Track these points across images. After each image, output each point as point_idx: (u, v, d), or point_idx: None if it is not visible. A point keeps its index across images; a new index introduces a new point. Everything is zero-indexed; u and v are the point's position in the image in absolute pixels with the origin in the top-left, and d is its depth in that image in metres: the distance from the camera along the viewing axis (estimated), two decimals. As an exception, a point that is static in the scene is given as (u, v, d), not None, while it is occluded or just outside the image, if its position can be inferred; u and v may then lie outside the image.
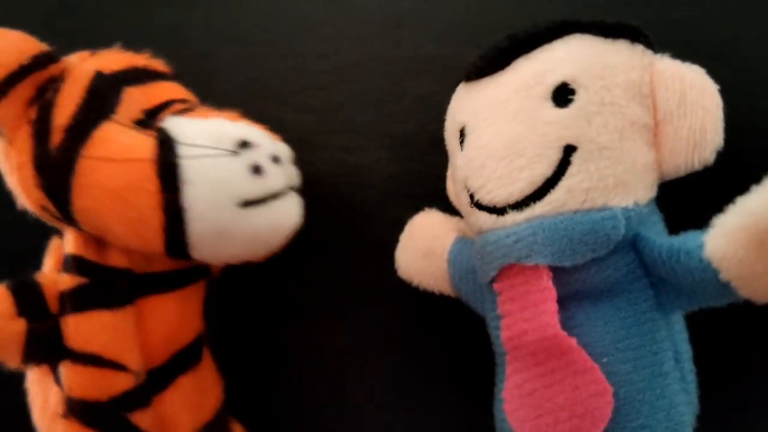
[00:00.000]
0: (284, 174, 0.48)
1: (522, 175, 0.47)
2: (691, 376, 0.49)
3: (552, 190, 0.46)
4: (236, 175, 0.44)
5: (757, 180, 0.40)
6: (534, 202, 0.47)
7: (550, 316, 0.46)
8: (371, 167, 0.66)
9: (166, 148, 0.44)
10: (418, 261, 0.60)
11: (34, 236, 0.53)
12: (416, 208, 0.62)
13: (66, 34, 0.65)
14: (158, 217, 0.44)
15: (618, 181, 0.47)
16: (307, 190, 0.65)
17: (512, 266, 0.48)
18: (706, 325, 0.50)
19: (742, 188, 0.45)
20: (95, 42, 0.53)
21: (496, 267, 0.49)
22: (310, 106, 0.67)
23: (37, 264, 0.52)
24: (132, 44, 0.55)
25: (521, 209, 0.47)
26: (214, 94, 0.55)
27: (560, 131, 0.47)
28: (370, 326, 0.67)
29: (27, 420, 0.51)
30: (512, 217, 0.48)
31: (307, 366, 0.68)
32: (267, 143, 0.47)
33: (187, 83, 0.57)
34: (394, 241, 0.62)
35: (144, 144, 0.44)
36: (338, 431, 0.68)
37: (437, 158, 0.58)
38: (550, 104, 0.47)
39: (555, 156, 0.47)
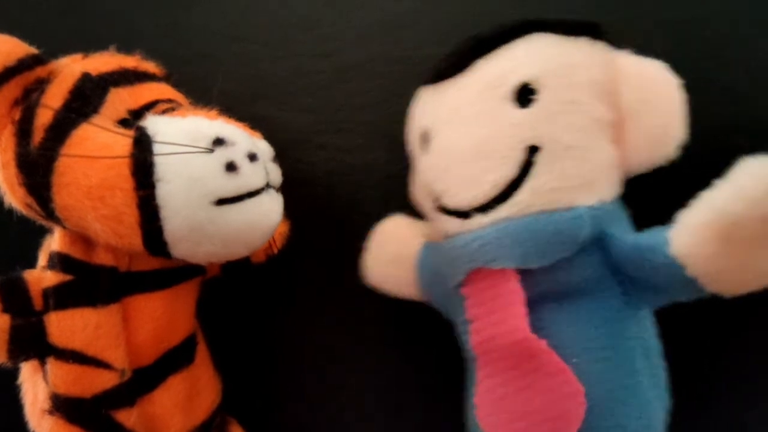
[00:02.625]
0: (262, 172, 0.48)
1: (486, 178, 0.47)
2: (661, 372, 0.49)
3: (516, 192, 0.46)
4: (210, 172, 0.44)
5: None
6: (499, 205, 0.47)
7: (519, 320, 0.46)
8: (371, 167, 0.66)
9: (142, 146, 0.44)
10: (387, 267, 0.60)
11: (33, 235, 0.53)
12: (415, 209, 0.62)
13: (66, 34, 0.68)
14: (134, 215, 0.44)
15: (583, 180, 0.47)
16: (306, 190, 0.66)
17: (479, 270, 0.47)
18: (674, 320, 0.50)
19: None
20: (95, 42, 0.54)
21: (463, 271, 0.48)
22: (310, 106, 0.67)
23: (34, 263, 0.53)
24: (132, 44, 0.56)
25: (486, 212, 0.47)
26: (214, 94, 0.55)
27: (523, 132, 0.47)
28: (368, 326, 0.67)
29: (21, 415, 0.52)
30: (477, 221, 0.48)
31: (307, 366, 0.68)
32: (243, 141, 0.47)
33: (187, 83, 0.57)
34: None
35: (121, 142, 0.44)
36: (337, 431, 0.68)
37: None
38: (512, 105, 0.47)
39: (519, 157, 0.46)
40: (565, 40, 0.49)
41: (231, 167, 0.45)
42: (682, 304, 0.46)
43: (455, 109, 0.50)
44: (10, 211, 0.49)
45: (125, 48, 0.55)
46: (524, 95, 0.47)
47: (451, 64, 0.51)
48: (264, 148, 0.51)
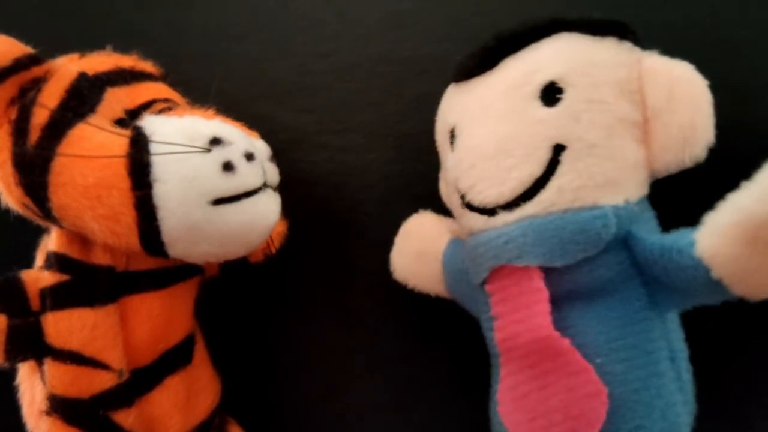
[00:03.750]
0: (259, 171, 0.48)
1: (512, 175, 0.47)
2: (687, 376, 0.49)
3: (542, 190, 0.46)
4: (207, 172, 0.44)
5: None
6: (524, 202, 0.47)
7: (542, 317, 0.46)
8: (371, 167, 0.66)
9: (139, 145, 0.44)
10: (413, 263, 0.60)
11: (30, 235, 0.53)
12: (416, 208, 0.62)
13: (66, 34, 0.68)
14: (131, 215, 0.44)
15: (608, 179, 0.46)
16: (306, 189, 0.66)
17: (504, 267, 0.48)
18: (702, 324, 0.50)
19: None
20: (95, 42, 0.54)
21: (487, 268, 0.48)
22: (310, 106, 0.67)
23: (32, 263, 0.53)
24: (131, 44, 0.55)
25: (511, 209, 0.47)
26: (214, 94, 0.55)
27: (549, 130, 0.46)
28: (370, 326, 0.67)
29: (19, 416, 0.52)
30: (503, 218, 0.48)
31: (307, 366, 0.68)
32: (240, 140, 0.47)
33: (187, 83, 0.57)
34: (393, 241, 0.62)
35: (117, 142, 0.44)
36: (336, 431, 0.68)
37: (437, 158, 0.58)
38: (538, 103, 0.47)
39: (544, 155, 0.46)
40: (592, 40, 0.48)
41: (228, 167, 0.45)
42: (709, 308, 0.46)
43: (482, 107, 0.50)
44: (7, 211, 0.49)
45: (125, 48, 0.55)
46: (550, 94, 0.47)
47: (478, 62, 0.51)
48: (261, 148, 0.51)
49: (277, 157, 0.54)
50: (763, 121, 0.58)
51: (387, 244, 0.62)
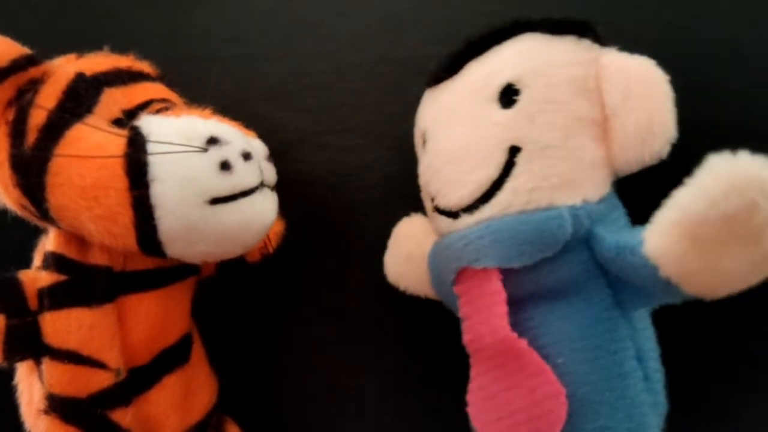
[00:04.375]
0: (256, 171, 0.48)
1: (471, 178, 0.48)
2: (657, 376, 0.48)
3: (498, 192, 0.47)
4: (204, 171, 0.44)
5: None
6: (482, 205, 0.47)
7: (499, 318, 0.46)
8: (370, 167, 0.66)
9: (136, 145, 0.44)
10: (403, 266, 0.60)
11: (29, 235, 0.54)
12: (416, 208, 0.62)
13: (66, 34, 0.68)
14: (128, 215, 0.44)
15: (564, 179, 0.47)
16: (306, 189, 0.66)
17: (466, 269, 0.48)
18: (674, 323, 0.50)
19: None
20: (95, 42, 0.54)
21: (452, 270, 0.49)
22: (310, 106, 0.67)
23: (30, 264, 0.53)
24: (131, 44, 0.56)
25: (471, 212, 0.48)
26: (214, 94, 0.55)
27: (505, 132, 0.47)
28: (368, 326, 0.67)
29: (17, 415, 0.52)
30: (464, 221, 0.49)
31: (306, 366, 0.68)
32: (237, 140, 0.47)
33: (187, 83, 0.57)
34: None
35: (115, 142, 0.44)
36: (334, 430, 0.68)
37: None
38: (496, 106, 0.48)
39: (500, 158, 0.47)
40: (551, 39, 0.49)
41: (225, 166, 0.45)
42: (676, 306, 0.46)
43: (447, 111, 0.51)
44: (5, 212, 0.49)
45: (125, 48, 0.55)
46: (507, 96, 0.48)
47: (446, 67, 0.52)
48: (258, 147, 0.51)
49: (277, 157, 0.54)
50: (754, 121, 0.58)
51: (386, 244, 0.62)
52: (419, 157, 0.56)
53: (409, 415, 0.67)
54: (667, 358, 0.49)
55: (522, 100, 0.47)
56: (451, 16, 0.65)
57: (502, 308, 0.46)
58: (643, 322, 0.49)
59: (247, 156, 0.47)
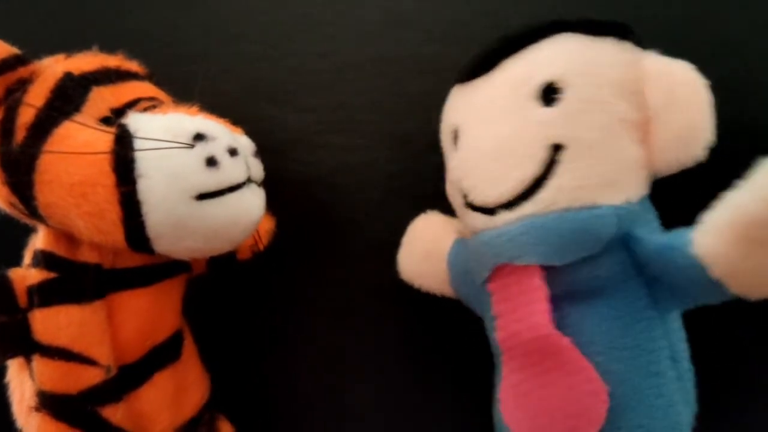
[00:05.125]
0: (242, 167, 0.48)
1: (512, 175, 0.47)
2: (688, 375, 0.49)
3: (541, 189, 0.47)
4: (190, 167, 0.44)
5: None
6: (524, 202, 0.47)
7: (541, 316, 0.46)
8: (371, 167, 0.66)
9: (123, 142, 0.44)
10: (420, 264, 0.60)
11: (20, 234, 0.54)
12: (416, 208, 0.62)
13: (66, 34, 0.68)
14: (116, 211, 0.44)
15: (607, 179, 0.47)
16: (306, 189, 0.66)
17: (505, 266, 0.48)
18: (703, 324, 0.50)
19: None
20: (95, 42, 0.54)
21: (489, 267, 0.49)
22: (310, 106, 0.67)
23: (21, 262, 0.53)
24: (131, 44, 0.56)
25: (512, 209, 0.48)
26: (214, 94, 0.55)
27: (547, 130, 0.47)
28: (369, 326, 0.67)
29: (8, 413, 0.53)
30: (503, 217, 0.48)
31: (306, 365, 0.68)
32: (224, 136, 0.47)
33: (187, 83, 0.57)
34: (393, 241, 0.62)
35: (102, 139, 0.45)
36: (328, 428, 0.68)
37: (437, 158, 0.58)
38: (537, 104, 0.48)
39: (543, 155, 0.47)
40: (591, 40, 0.49)
41: (211, 162, 0.45)
42: (711, 308, 0.46)
43: (483, 108, 0.51)
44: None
45: (125, 48, 0.55)
46: (549, 94, 0.47)
47: (480, 63, 0.51)
48: (245, 143, 0.51)
49: (277, 156, 0.54)
50: (762, 121, 0.58)
51: (386, 243, 0.62)
52: (447, 153, 0.56)
53: (412, 416, 0.66)
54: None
55: (565, 98, 0.47)
56: (451, 16, 0.65)
57: (544, 306, 0.46)
58: (676, 322, 0.49)
59: (233, 152, 0.47)
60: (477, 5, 0.64)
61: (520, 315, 0.47)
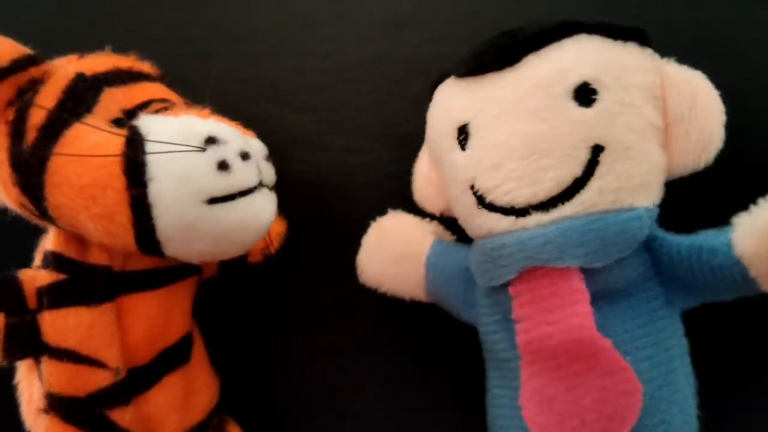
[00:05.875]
0: (254, 171, 0.48)
1: (548, 175, 0.46)
2: (691, 371, 0.50)
3: (582, 191, 0.46)
4: (201, 171, 0.44)
5: (757, 180, 0.40)
6: (562, 203, 0.46)
7: (583, 318, 0.45)
8: (371, 167, 0.66)
9: (134, 144, 0.44)
10: (391, 267, 0.59)
11: (30, 235, 0.54)
12: (415, 208, 0.62)
13: (66, 34, 0.68)
14: (126, 214, 0.44)
15: (642, 181, 0.47)
16: (307, 190, 0.66)
17: (534, 269, 0.47)
18: (703, 324, 0.51)
19: (743, 189, 0.46)
20: (95, 42, 0.54)
21: (515, 270, 0.47)
22: (310, 106, 0.67)
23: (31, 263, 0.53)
24: (132, 44, 0.56)
25: (547, 210, 0.47)
26: (215, 94, 0.55)
27: (587, 131, 0.46)
28: (369, 326, 0.67)
29: (17, 415, 0.52)
30: (536, 218, 0.47)
31: (307, 366, 0.68)
32: (236, 140, 0.47)
33: (187, 83, 0.57)
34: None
35: (113, 141, 0.44)
36: (335, 430, 0.68)
37: (437, 158, 0.57)
38: (573, 104, 0.47)
39: (584, 156, 0.46)
40: (616, 44, 0.49)
41: (223, 166, 0.45)
42: (707, 307, 0.48)
43: (504, 104, 0.48)
44: (6, 211, 0.49)
45: (126, 48, 0.55)
46: (585, 94, 0.47)
47: (496, 58, 0.49)
48: (257, 147, 0.51)
49: (278, 156, 0.54)
50: (762, 122, 0.58)
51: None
52: (446, 150, 0.53)
53: (410, 418, 0.67)
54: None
55: (602, 99, 0.46)
56: (451, 16, 0.65)
57: (586, 307, 0.46)
58: (678, 320, 0.50)
59: (245, 156, 0.47)
60: (477, 5, 0.64)
61: (552, 318, 0.46)
